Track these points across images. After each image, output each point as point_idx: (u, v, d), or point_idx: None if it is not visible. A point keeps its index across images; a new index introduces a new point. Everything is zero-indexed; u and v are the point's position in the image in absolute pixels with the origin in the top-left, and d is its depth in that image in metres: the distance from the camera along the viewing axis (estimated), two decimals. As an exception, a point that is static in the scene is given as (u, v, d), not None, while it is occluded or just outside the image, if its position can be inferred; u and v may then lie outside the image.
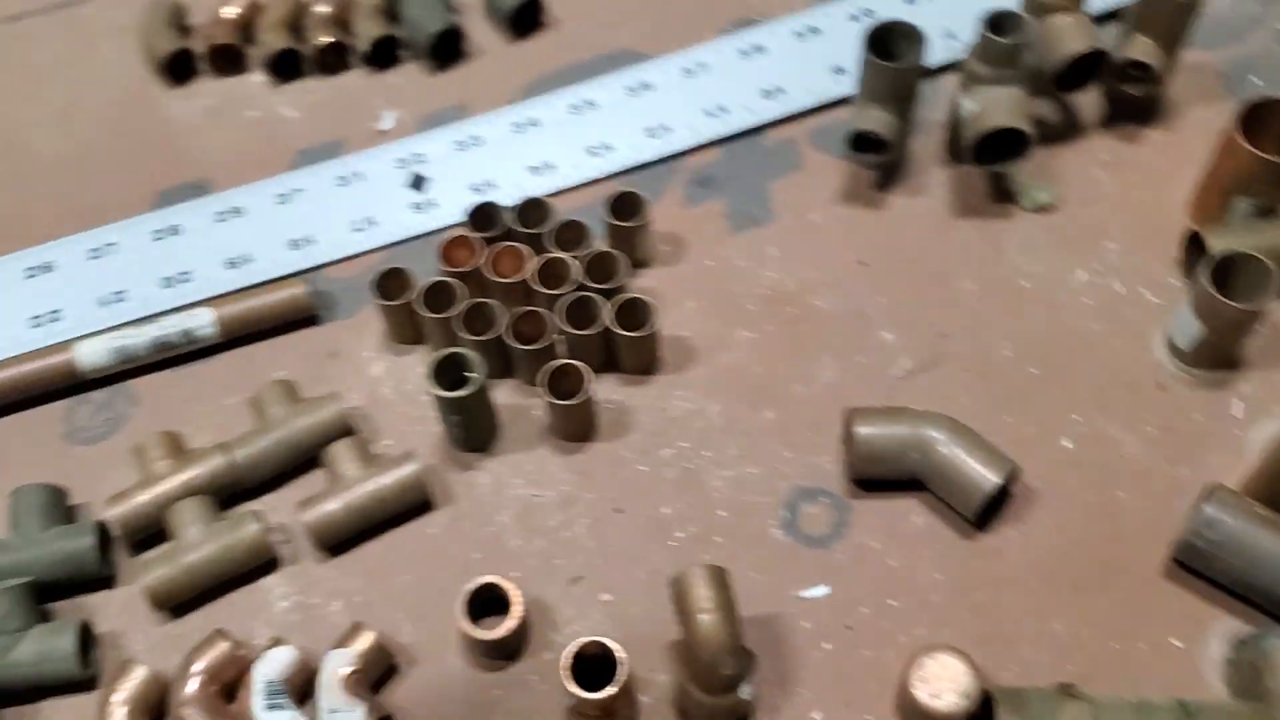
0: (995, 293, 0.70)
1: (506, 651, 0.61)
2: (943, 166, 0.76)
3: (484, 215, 0.70)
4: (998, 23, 0.68)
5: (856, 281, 0.71)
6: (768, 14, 0.84)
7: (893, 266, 0.72)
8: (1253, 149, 0.65)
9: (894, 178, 0.75)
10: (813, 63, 0.79)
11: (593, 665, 0.56)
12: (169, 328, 0.70)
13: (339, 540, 0.64)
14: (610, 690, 0.54)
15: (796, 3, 0.84)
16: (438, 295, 0.68)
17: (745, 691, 0.56)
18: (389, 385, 0.70)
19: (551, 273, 0.68)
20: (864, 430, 0.62)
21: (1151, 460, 0.64)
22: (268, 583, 0.64)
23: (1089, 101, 0.78)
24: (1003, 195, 0.74)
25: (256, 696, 0.58)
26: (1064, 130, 0.77)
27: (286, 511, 0.66)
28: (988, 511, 0.63)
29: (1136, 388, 0.67)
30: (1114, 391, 0.66)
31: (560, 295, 0.66)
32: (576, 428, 0.66)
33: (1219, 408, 0.66)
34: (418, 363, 0.70)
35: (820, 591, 0.61)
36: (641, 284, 0.72)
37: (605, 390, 0.69)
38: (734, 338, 0.70)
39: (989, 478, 0.60)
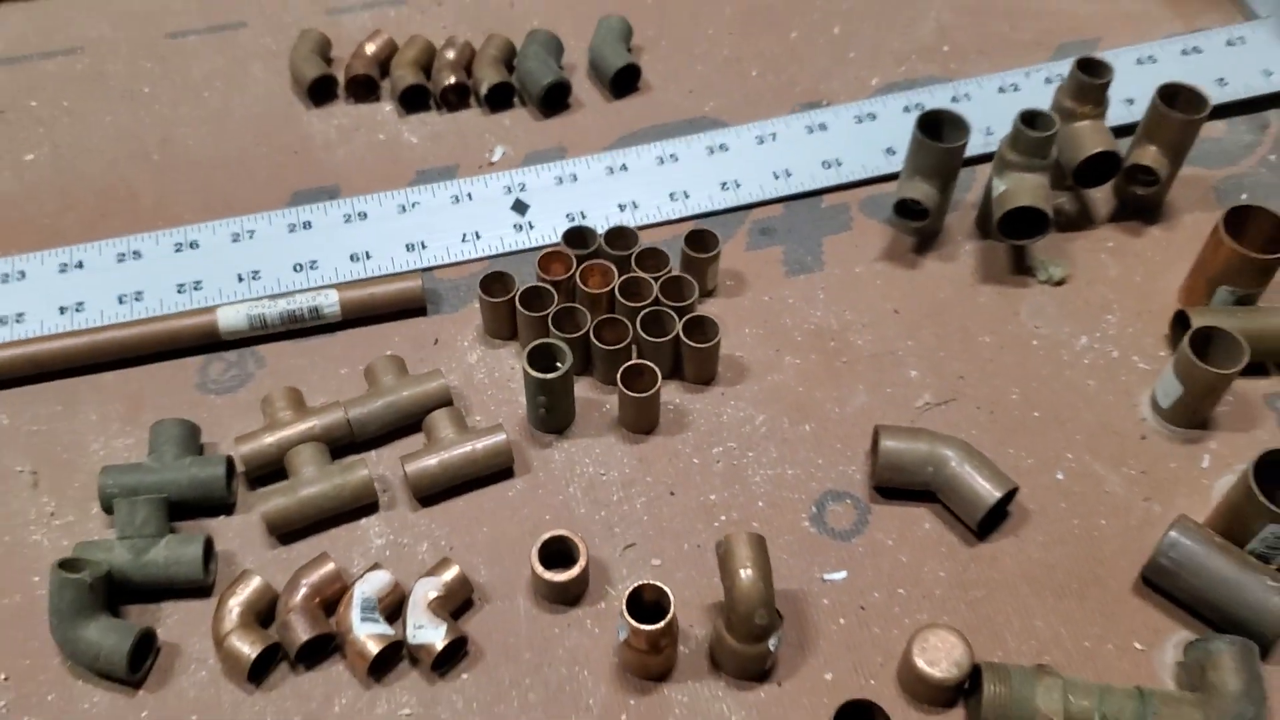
0: (1008, 347, 0.82)
1: (568, 597, 0.71)
2: (972, 239, 0.88)
3: (578, 235, 0.82)
4: (1030, 118, 0.81)
5: (890, 326, 0.83)
6: (833, 99, 0.96)
7: (922, 317, 0.83)
8: (1235, 245, 0.77)
9: (929, 244, 0.87)
10: (868, 143, 0.92)
11: (644, 611, 0.66)
12: (299, 303, 0.82)
13: (432, 492, 0.75)
14: (661, 624, 0.64)
15: (859, 92, 0.97)
16: (533, 298, 0.79)
17: (772, 643, 0.66)
18: (482, 371, 0.81)
19: (632, 289, 0.80)
20: (889, 443, 0.73)
21: (1130, 496, 0.75)
22: (366, 523, 0.74)
23: (1101, 198, 0.90)
24: (1021, 268, 0.86)
25: (354, 609, 0.68)
26: (1079, 220, 0.89)
27: (387, 466, 0.76)
28: (988, 524, 0.73)
29: (1122, 436, 0.77)
30: (1103, 437, 0.77)
31: (639, 308, 0.78)
32: (643, 420, 0.77)
33: (1191, 460, 0.76)
34: (509, 355, 0.82)
35: (839, 576, 0.72)
36: (707, 310, 0.83)
37: (669, 393, 0.80)
38: (782, 362, 0.81)
39: (992, 492, 0.71)
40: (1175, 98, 0.83)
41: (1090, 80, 0.83)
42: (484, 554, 0.73)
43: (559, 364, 0.75)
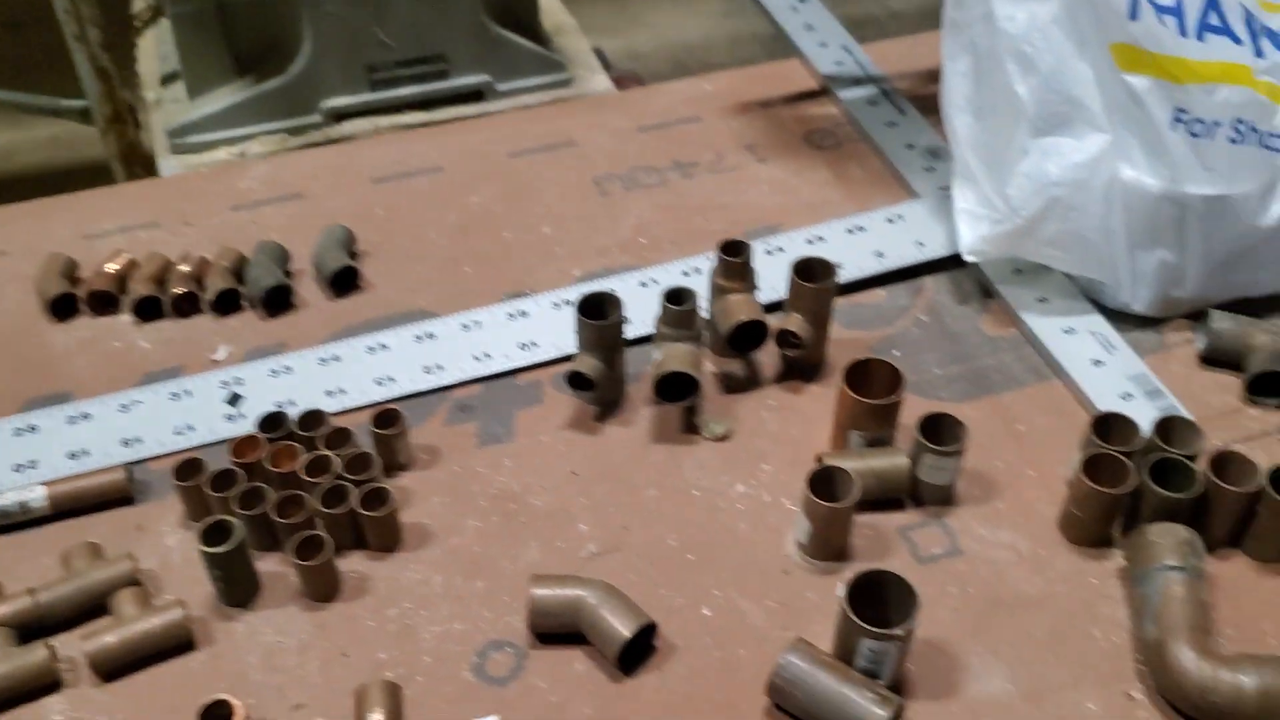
0: (671, 499, 0.89)
1: (230, 759, 0.75)
2: (649, 405, 0.96)
3: (272, 421, 0.89)
4: (674, 295, 0.91)
5: (567, 487, 0.90)
6: (537, 289, 1.07)
7: (597, 477, 0.91)
8: (855, 395, 0.87)
9: (611, 412, 0.96)
10: (562, 326, 1.01)
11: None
12: (8, 500, 0.87)
13: (114, 669, 0.79)
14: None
15: (561, 281, 1.07)
16: (224, 482, 0.86)
17: (405, 785, 0.70)
18: (179, 553, 0.87)
19: (318, 467, 0.86)
20: (538, 591, 0.79)
21: (769, 627, 0.81)
22: (48, 701, 0.78)
23: (769, 362, 0.99)
24: (690, 427, 0.94)
25: (14, 782, 0.71)
26: (747, 383, 0.98)
27: (75, 648, 0.81)
28: (633, 660, 0.79)
29: (766, 573, 0.84)
30: (749, 575, 0.84)
31: (320, 484, 0.85)
32: (320, 588, 0.83)
33: (827, 589, 0.83)
34: (206, 535, 0.87)
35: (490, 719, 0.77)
36: (399, 483, 0.90)
37: (352, 563, 0.85)
38: (464, 525, 0.88)
39: (625, 629, 0.77)
40: (810, 270, 0.94)
41: (731, 259, 0.93)
42: (160, 725, 0.77)
43: (232, 539, 0.81)
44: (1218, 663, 0.73)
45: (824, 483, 0.83)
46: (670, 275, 1.06)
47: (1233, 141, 0.95)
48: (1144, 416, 0.87)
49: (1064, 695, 0.77)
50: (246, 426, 0.94)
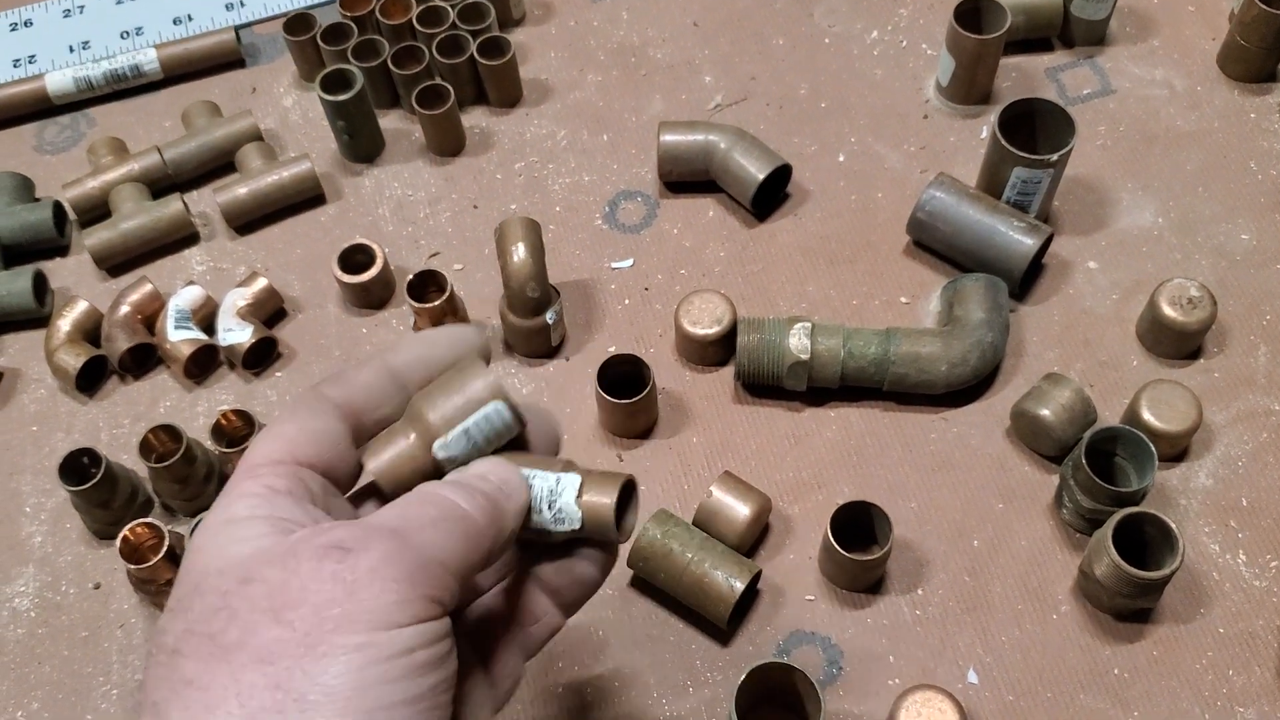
0: (800, 46, 0.84)
1: (372, 300, 0.76)
2: (772, -50, 0.90)
3: (378, -28, 0.85)
4: None
5: (688, 39, 0.86)
6: None
7: (719, 27, 0.86)
8: (1008, -80, 0.79)
9: (731, -40, 0.89)
10: None
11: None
12: (120, 63, 0.85)
13: (246, 220, 0.79)
14: (439, 301, 0.69)
15: None
16: (335, 34, 0.82)
17: (549, 316, 0.71)
18: (297, 113, 0.85)
19: (430, 18, 0.83)
20: (667, 137, 0.77)
21: (908, 170, 0.78)
22: (189, 252, 0.79)
23: (903, -99, 0.91)
24: (818, -28, 0.88)
25: (169, 319, 0.73)
26: (879, -76, 0.90)
27: (208, 202, 0.81)
28: (766, 205, 0.77)
29: (905, 117, 0.80)
30: (886, 120, 0.80)
31: (435, 34, 0.81)
32: (447, 142, 0.81)
33: (970, 132, 0.79)
34: (322, 95, 0.85)
35: (626, 263, 0.76)
36: (514, 38, 0.86)
37: (476, 117, 0.83)
38: (584, 80, 0.85)
39: (760, 171, 0.75)
40: None
41: None
42: (297, 271, 0.78)
43: (354, 87, 0.78)
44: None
45: (971, 15, 0.77)
46: None
47: None
48: (1329, -61, 0.79)
49: (1216, 227, 0.74)
50: (350, -14, 0.89)
